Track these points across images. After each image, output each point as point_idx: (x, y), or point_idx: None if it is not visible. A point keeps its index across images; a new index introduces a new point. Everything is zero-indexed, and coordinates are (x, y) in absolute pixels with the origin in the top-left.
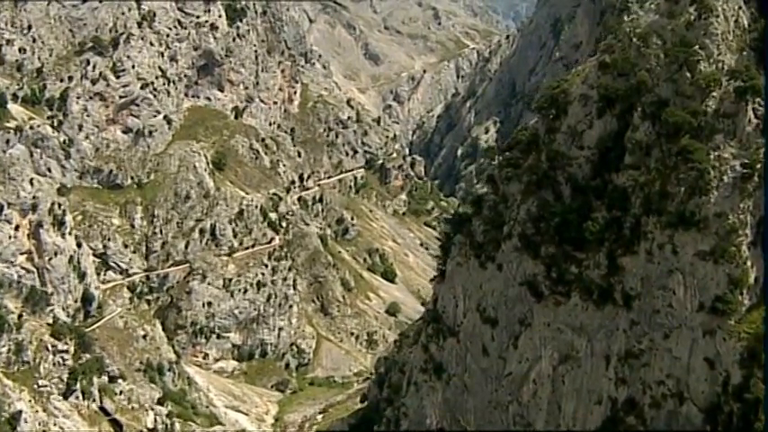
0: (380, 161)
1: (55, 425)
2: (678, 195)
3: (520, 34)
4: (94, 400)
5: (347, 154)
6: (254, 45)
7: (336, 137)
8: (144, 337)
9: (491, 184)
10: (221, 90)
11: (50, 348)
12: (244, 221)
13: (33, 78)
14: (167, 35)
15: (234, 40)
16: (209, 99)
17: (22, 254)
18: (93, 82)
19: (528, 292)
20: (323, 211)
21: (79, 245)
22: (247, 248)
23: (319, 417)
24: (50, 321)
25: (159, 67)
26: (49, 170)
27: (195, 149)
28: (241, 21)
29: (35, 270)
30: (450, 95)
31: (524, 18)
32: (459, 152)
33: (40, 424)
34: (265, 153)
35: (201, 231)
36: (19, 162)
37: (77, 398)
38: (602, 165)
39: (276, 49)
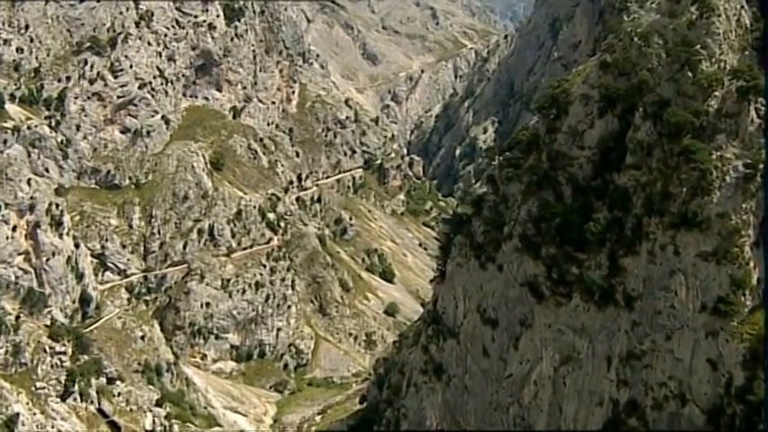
0: (379, 161)
1: (53, 427)
2: (680, 196)
3: (518, 34)
4: (92, 402)
5: (345, 154)
6: (252, 45)
7: (335, 137)
8: (142, 337)
9: (491, 184)
10: (219, 90)
11: (48, 350)
12: (242, 222)
13: (31, 78)
14: (165, 35)
15: (232, 39)
16: (207, 99)
17: (19, 254)
18: (91, 82)
19: (529, 293)
20: (321, 211)
21: (77, 245)
22: (245, 249)
23: (318, 418)
24: (48, 322)
25: (157, 67)
26: (47, 170)
27: (193, 149)
28: (239, 20)
29: (33, 271)
30: (449, 95)
31: (522, 18)
32: (458, 152)
33: (37, 426)
34: (263, 153)
35: (200, 232)
36: (16, 162)
37: (75, 400)
38: (603, 165)
39: (274, 49)
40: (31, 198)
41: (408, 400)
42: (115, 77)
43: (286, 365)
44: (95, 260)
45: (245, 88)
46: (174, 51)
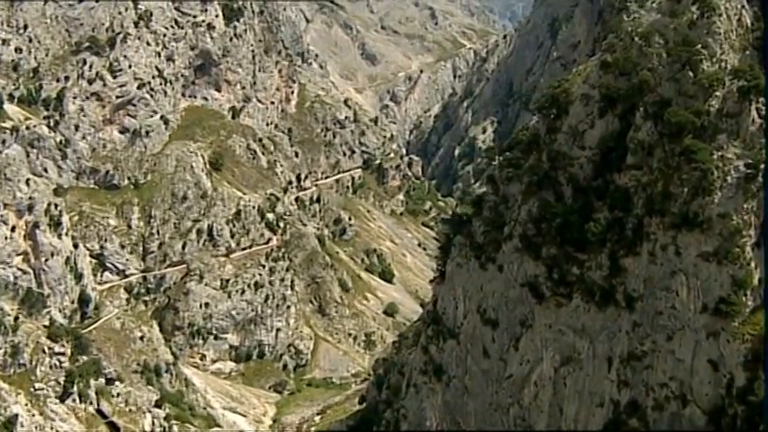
0: (378, 161)
1: (52, 428)
2: (681, 196)
3: (517, 34)
4: (91, 403)
5: (344, 154)
6: (251, 45)
7: (334, 137)
8: (141, 338)
9: (491, 184)
10: (218, 90)
11: (47, 351)
12: (241, 222)
13: (30, 78)
14: (164, 35)
15: (231, 39)
16: (206, 99)
17: (18, 255)
18: (90, 82)
19: (529, 294)
20: (320, 211)
21: (76, 246)
22: (245, 249)
23: (317, 418)
24: (47, 323)
25: (156, 67)
26: (46, 170)
27: (192, 150)
28: (238, 20)
29: (31, 271)
30: (448, 95)
31: (521, 18)
32: (457, 152)
33: (36, 428)
34: (262, 153)
35: (199, 232)
36: (15, 162)
37: (74, 401)
38: (603, 165)
39: (273, 49)
40: (30, 198)
41: (408, 400)
42: (114, 77)
43: (285, 366)
44: (94, 260)
45: (244, 88)
46: (172, 51)
